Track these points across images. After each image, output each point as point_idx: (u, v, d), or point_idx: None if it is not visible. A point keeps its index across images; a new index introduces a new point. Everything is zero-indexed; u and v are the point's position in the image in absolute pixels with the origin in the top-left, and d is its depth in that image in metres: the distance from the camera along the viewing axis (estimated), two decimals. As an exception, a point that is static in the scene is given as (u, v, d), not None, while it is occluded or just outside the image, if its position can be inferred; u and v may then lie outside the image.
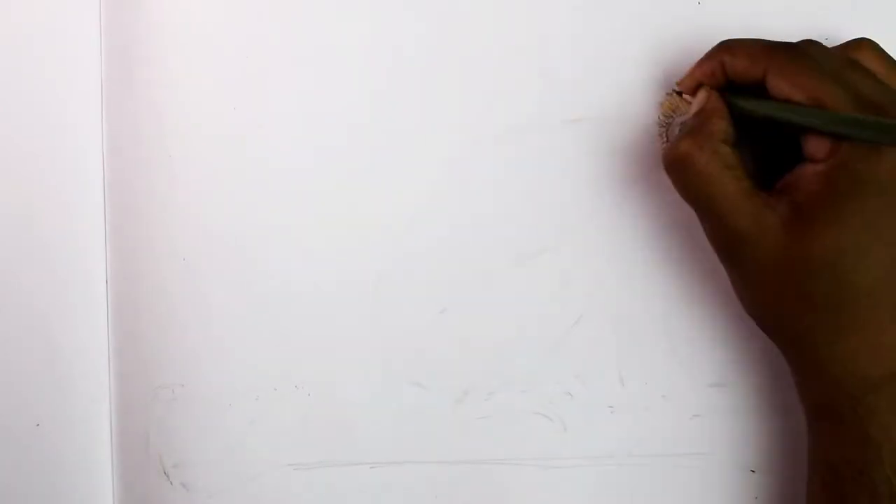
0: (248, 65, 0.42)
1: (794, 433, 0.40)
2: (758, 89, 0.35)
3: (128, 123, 0.43)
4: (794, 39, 0.37)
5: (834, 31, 0.39)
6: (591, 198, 0.41)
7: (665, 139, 0.40)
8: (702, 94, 0.37)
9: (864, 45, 0.36)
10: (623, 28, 0.41)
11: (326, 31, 0.42)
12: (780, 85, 0.34)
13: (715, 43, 0.37)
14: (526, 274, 0.41)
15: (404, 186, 0.42)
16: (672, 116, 0.39)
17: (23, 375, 0.43)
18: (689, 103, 0.38)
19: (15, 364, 0.43)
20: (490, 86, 0.42)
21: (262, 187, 0.42)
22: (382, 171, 0.42)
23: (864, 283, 0.33)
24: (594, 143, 0.41)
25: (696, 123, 0.36)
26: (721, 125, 0.36)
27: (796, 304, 0.34)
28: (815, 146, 0.34)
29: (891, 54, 0.37)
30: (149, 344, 0.43)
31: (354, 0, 0.42)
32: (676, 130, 0.40)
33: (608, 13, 0.41)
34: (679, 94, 0.38)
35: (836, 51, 0.36)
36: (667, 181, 0.40)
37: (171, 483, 0.42)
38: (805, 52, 0.35)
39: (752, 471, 0.41)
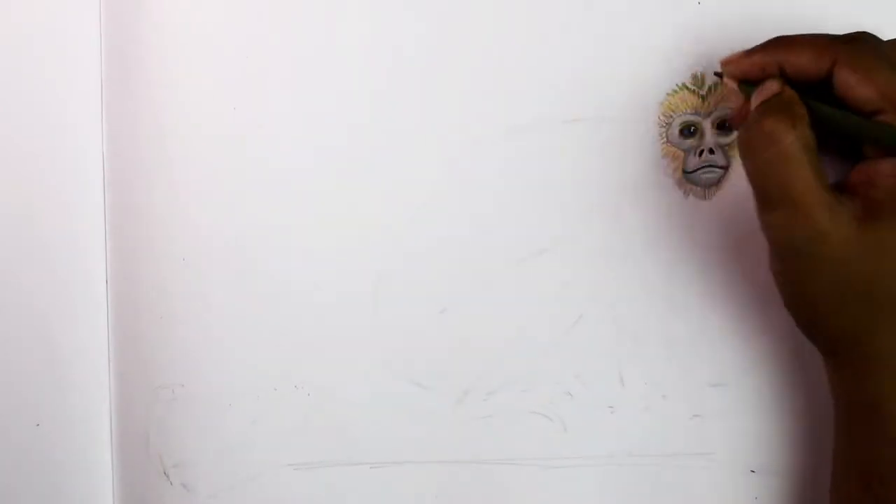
0: (248, 65, 0.42)
1: (794, 433, 0.40)
2: (816, 86, 0.34)
3: (128, 123, 0.43)
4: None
5: (833, 27, 0.39)
6: (591, 198, 0.41)
7: (665, 139, 0.40)
8: (775, 84, 0.35)
9: None
10: (623, 28, 0.41)
11: (326, 31, 0.42)
12: (849, 79, 0.33)
13: (715, 43, 0.37)
14: (526, 274, 0.41)
15: (404, 186, 0.42)
16: (672, 116, 0.39)
17: (23, 375, 0.43)
18: (677, 93, 0.38)
19: (15, 364, 0.43)
20: (490, 86, 0.41)
21: (262, 187, 0.42)
22: (382, 171, 0.42)
23: None
24: (594, 143, 0.41)
25: (779, 103, 0.34)
26: (803, 111, 0.34)
27: (863, 302, 0.33)
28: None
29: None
30: (149, 344, 0.43)
31: (354, 0, 0.42)
32: (676, 131, 0.40)
33: (608, 13, 0.41)
34: (680, 91, 0.38)
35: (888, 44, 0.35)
36: (667, 181, 0.40)
37: (171, 483, 0.42)
38: (871, 45, 0.34)
39: (752, 471, 0.41)
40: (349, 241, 0.42)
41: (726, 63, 0.37)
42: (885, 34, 0.36)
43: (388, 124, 0.42)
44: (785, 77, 0.35)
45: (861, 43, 0.34)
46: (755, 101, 0.35)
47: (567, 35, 0.41)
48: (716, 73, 0.38)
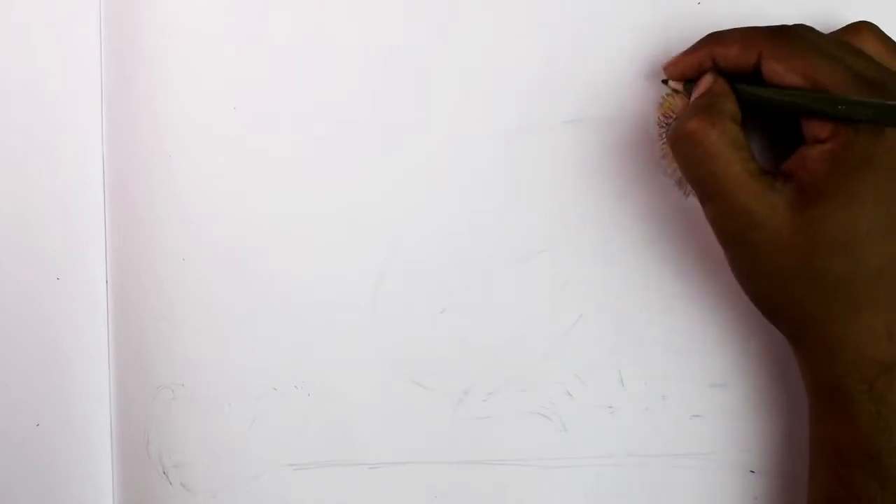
0: (248, 65, 0.42)
1: (793, 434, 0.40)
2: (751, 78, 0.35)
3: (128, 123, 0.43)
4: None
5: (832, 26, 0.39)
6: (590, 198, 0.41)
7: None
8: (708, 78, 0.36)
9: (862, 28, 0.36)
10: (623, 28, 0.41)
11: (326, 31, 0.42)
12: (775, 68, 0.34)
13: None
14: (526, 274, 0.41)
15: (404, 186, 0.42)
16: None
17: (23, 375, 0.43)
18: (676, 94, 0.38)
19: (15, 364, 0.43)
20: (489, 86, 0.41)
21: (262, 187, 0.42)
22: (382, 171, 0.42)
23: (876, 262, 0.32)
24: (593, 143, 0.41)
25: (704, 103, 0.36)
26: (729, 105, 0.35)
27: (807, 286, 0.33)
28: (818, 127, 0.34)
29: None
30: (149, 344, 0.43)
31: (354, 0, 0.42)
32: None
33: (608, 13, 0.41)
34: (676, 94, 0.38)
35: (833, 35, 0.36)
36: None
37: (171, 483, 0.42)
38: (799, 34, 0.35)
39: (752, 471, 0.41)
40: (349, 241, 0.42)
41: (667, 66, 0.38)
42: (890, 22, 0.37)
43: (387, 125, 0.42)
44: (720, 72, 0.36)
45: (788, 33, 0.35)
46: (693, 97, 0.37)
47: (566, 35, 0.41)
48: (662, 81, 0.39)
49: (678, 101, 0.39)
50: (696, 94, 0.37)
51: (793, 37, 0.35)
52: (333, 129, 0.42)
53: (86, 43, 0.43)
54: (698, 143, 0.35)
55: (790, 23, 0.36)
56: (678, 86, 0.38)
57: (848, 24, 0.37)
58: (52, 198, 0.43)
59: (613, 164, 0.41)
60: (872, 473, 0.33)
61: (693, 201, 0.40)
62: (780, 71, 0.34)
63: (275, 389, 0.42)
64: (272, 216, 0.42)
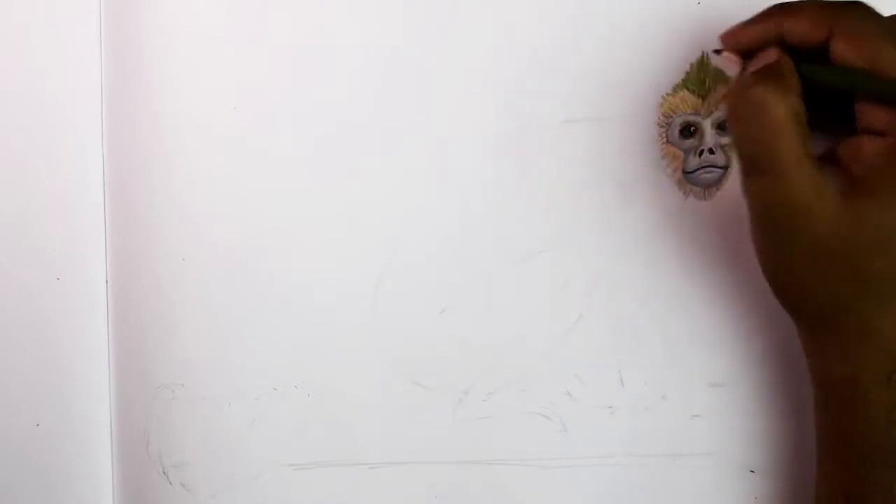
0: (248, 65, 0.42)
1: (793, 434, 0.40)
2: (815, 56, 0.34)
3: (128, 123, 0.43)
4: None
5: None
6: (591, 197, 0.41)
7: (665, 139, 0.40)
8: (773, 52, 0.34)
9: None
10: (623, 28, 0.41)
11: (326, 31, 0.42)
12: (843, 49, 0.33)
13: (715, 42, 0.37)
14: (526, 274, 0.41)
15: (404, 187, 0.42)
16: (671, 116, 0.39)
17: (23, 375, 0.43)
18: (676, 93, 0.37)
19: (15, 364, 0.43)
20: (490, 86, 0.41)
21: (262, 187, 0.42)
22: (382, 171, 0.42)
23: None
24: (594, 143, 0.41)
25: (773, 72, 0.34)
26: (795, 80, 0.34)
27: (842, 277, 0.33)
28: (875, 116, 0.33)
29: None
30: (149, 344, 0.43)
31: (354, 0, 0.42)
32: (676, 131, 0.40)
33: (608, 13, 0.41)
34: (678, 92, 0.38)
35: (890, 17, 0.34)
36: (667, 181, 0.40)
37: (171, 483, 0.42)
38: (870, 15, 0.33)
39: (752, 471, 0.41)
40: (349, 242, 0.42)
41: (725, 36, 0.36)
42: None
43: (387, 125, 0.42)
44: (784, 47, 0.34)
45: (859, 12, 0.34)
46: (752, 69, 0.35)
47: (567, 35, 0.41)
48: (715, 52, 0.36)
49: (678, 100, 0.39)
50: (757, 64, 0.35)
51: (863, 17, 0.33)
52: (333, 129, 0.42)
53: (86, 43, 0.43)
54: (764, 112, 0.33)
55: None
56: (734, 58, 0.36)
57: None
58: (52, 198, 0.43)
59: (614, 165, 0.41)
60: (890, 466, 0.33)
61: (693, 201, 0.40)
62: (848, 51, 0.33)
63: (275, 389, 0.42)
64: (272, 216, 0.42)
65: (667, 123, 0.39)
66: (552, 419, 0.41)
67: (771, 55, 0.34)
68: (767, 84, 0.33)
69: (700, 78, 0.40)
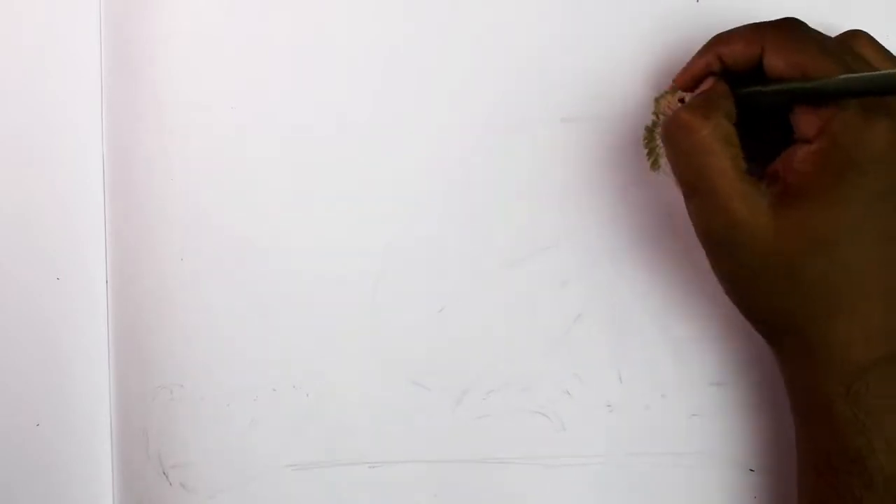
0: (248, 65, 0.42)
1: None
2: (757, 79, 0.35)
3: (128, 123, 0.43)
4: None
5: (831, 26, 0.39)
6: (589, 196, 0.41)
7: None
8: (708, 81, 0.36)
9: (859, 35, 0.36)
10: (621, 27, 0.41)
11: (325, 30, 0.42)
12: (775, 62, 0.34)
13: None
14: (525, 273, 0.41)
15: (403, 186, 0.42)
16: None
17: (23, 375, 0.43)
18: (671, 93, 0.38)
19: (15, 364, 0.43)
20: (489, 85, 0.42)
21: (261, 187, 0.42)
22: (381, 170, 0.42)
23: (856, 265, 0.32)
24: (593, 141, 0.41)
25: (700, 98, 0.36)
26: (726, 103, 0.35)
27: (786, 286, 0.33)
28: (806, 125, 0.34)
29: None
30: (148, 344, 0.43)
31: (354, 0, 0.42)
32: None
33: (606, 12, 0.41)
34: (674, 93, 0.38)
35: (833, 38, 0.36)
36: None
37: (170, 483, 0.42)
38: (801, 28, 0.35)
39: (751, 470, 0.41)
40: (348, 241, 0.42)
41: (678, 78, 0.38)
42: (884, 32, 0.37)
43: (385, 124, 0.42)
44: (728, 73, 0.36)
45: (789, 26, 0.35)
46: (693, 96, 0.36)
47: (565, 34, 0.41)
48: (680, 101, 0.38)
49: (673, 99, 0.39)
50: (695, 93, 0.37)
51: (793, 30, 0.35)
52: (333, 129, 0.42)
53: (86, 43, 0.43)
54: (690, 135, 0.34)
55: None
56: (688, 95, 0.38)
57: (843, 31, 0.37)
58: (52, 198, 0.43)
59: (613, 163, 0.41)
60: (856, 476, 0.33)
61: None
62: (780, 64, 0.34)
63: (274, 390, 0.42)
64: (272, 216, 0.42)
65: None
66: (552, 418, 0.41)
67: (706, 83, 0.36)
68: (694, 109, 0.35)
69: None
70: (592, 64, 0.41)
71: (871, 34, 0.37)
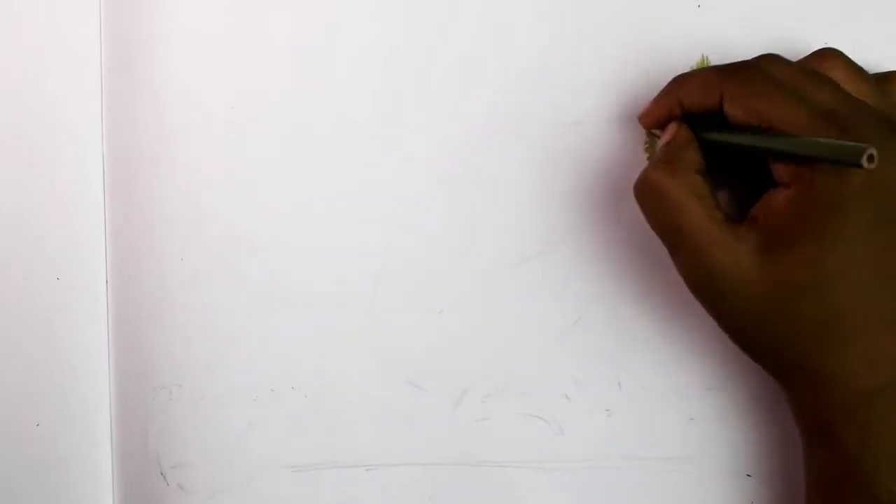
0: (248, 65, 0.42)
1: (790, 438, 0.40)
2: (720, 119, 0.35)
3: (128, 123, 0.43)
4: (793, 40, 0.36)
5: (832, 30, 0.39)
6: (589, 200, 0.41)
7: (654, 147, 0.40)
8: (672, 127, 0.36)
9: (828, 55, 0.35)
10: (622, 30, 0.41)
11: (325, 31, 0.42)
12: (735, 112, 0.34)
13: (713, 44, 0.37)
14: (524, 276, 0.41)
15: (402, 187, 0.42)
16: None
17: (23, 375, 0.43)
18: (657, 137, 0.38)
19: (15, 364, 0.43)
20: (489, 88, 0.41)
21: (261, 187, 0.42)
22: (381, 172, 0.42)
23: (848, 300, 0.32)
24: (594, 144, 0.41)
25: (665, 153, 0.36)
26: (691, 154, 0.35)
27: (781, 328, 0.33)
28: (781, 170, 0.33)
29: (888, 54, 0.36)
30: (148, 344, 0.43)
31: (354, 0, 0.42)
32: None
33: (607, 15, 0.41)
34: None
35: (799, 63, 0.35)
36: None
37: (168, 484, 0.43)
38: (759, 71, 0.34)
39: (748, 475, 0.41)
40: (347, 242, 0.42)
41: (641, 117, 0.38)
42: (882, 30, 0.36)
43: (386, 125, 0.42)
44: (689, 116, 0.36)
45: (745, 71, 0.34)
46: (660, 143, 0.36)
47: (566, 37, 0.41)
48: (652, 134, 0.38)
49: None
50: (661, 142, 0.37)
51: (749, 75, 0.34)
52: (333, 129, 0.42)
53: (86, 43, 0.43)
54: (659, 195, 0.35)
55: (790, 24, 0.36)
56: (658, 132, 0.38)
57: (814, 51, 0.36)
58: (52, 198, 0.43)
59: (613, 166, 0.41)
60: (863, 498, 0.33)
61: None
62: (739, 113, 0.34)
63: (272, 391, 0.42)
64: (271, 216, 0.42)
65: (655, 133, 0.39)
66: (549, 422, 0.41)
67: (670, 130, 0.36)
68: (661, 169, 0.35)
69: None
70: (593, 66, 0.41)
71: (874, 36, 0.36)
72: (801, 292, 0.33)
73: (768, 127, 0.33)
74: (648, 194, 0.35)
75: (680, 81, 0.36)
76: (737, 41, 0.39)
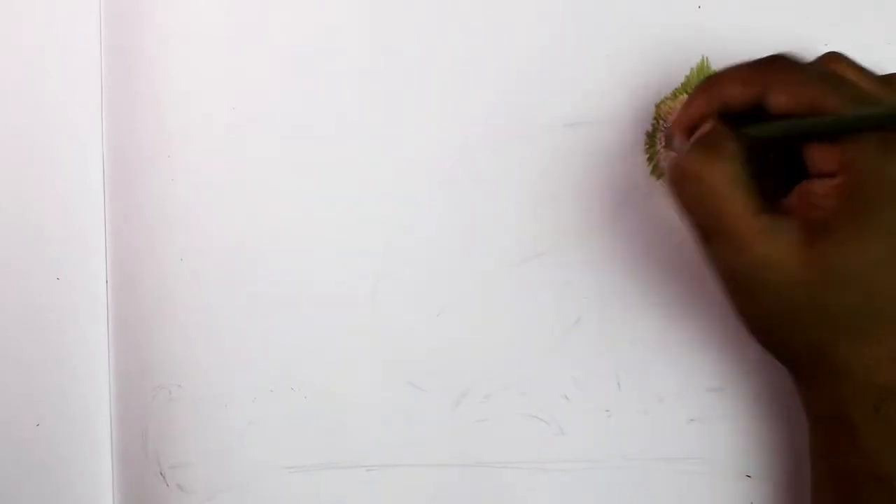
0: (248, 65, 0.42)
1: (790, 439, 0.40)
2: (750, 118, 0.35)
3: (128, 123, 0.43)
4: (794, 41, 0.36)
5: (832, 31, 0.39)
6: (589, 201, 0.41)
7: (662, 142, 0.39)
8: (708, 124, 0.35)
9: (833, 57, 0.35)
10: (623, 32, 0.41)
11: (325, 32, 0.42)
12: (781, 101, 0.33)
13: (714, 46, 0.37)
14: (524, 277, 0.41)
15: (402, 188, 0.42)
16: (668, 121, 0.39)
17: (23, 375, 0.43)
18: (675, 97, 0.38)
19: (15, 364, 0.43)
20: (489, 89, 0.41)
21: (261, 188, 0.42)
22: (381, 172, 0.42)
23: (883, 293, 0.32)
24: (593, 146, 0.41)
25: (702, 141, 0.35)
26: (730, 144, 0.34)
27: (815, 318, 0.33)
28: (824, 159, 0.33)
29: (888, 54, 0.36)
30: (148, 344, 0.43)
31: (354, 1, 0.42)
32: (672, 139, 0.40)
33: (608, 16, 0.41)
34: (674, 98, 0.38)
35: (814, 62, 0.35)
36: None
37: (167, 485, 0.43)
38: (794, 62, 0.34)
39: (748, 476, 0.40)
40: (347, 243, 0.42)
41: (675, 125, 0.37)
42: (884, 30, 0.36)
43: (386, 127, 0.42)
44: (727, 115, 0.35)
45: (784, 61, 0.34)
46: (692, 139, 0.35)
47: (566, 39, 0.41)
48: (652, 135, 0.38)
49: (677, 104, 0.38)
50: (693, 139, 0.36)
51: (790, 65, 0.34)
52: (332, 130, 0.42)
53: (86, 43, 0.43)
54: (698, 181, 0.34)
55: (790, 26, 0.36)
56: (660, 134, 0.38)
57: (819, 56, 0.35)
58: (52, 198, 0.43)
59: (613, 168, 0.41)
60: (883, 494, 0.33)
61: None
62: (786, 102, 0.33)
63: (271, 391, 0.42)
64: (271, 216, 0.42)
65: (665, 127, 0.39)
66: (549, 422, 0.41)
67: (705, 126, 0.35)
68: (699, 154, 0.34)
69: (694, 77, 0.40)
70: (593, 68, 0.41)
71: (877, 38, 0.36)
72: (844, 283, 0.32)
73: (815, 113, 0.33)
74: (685, 181, 0.34)
75: (715, 80, 0.35)
76: (737, 42, 0.39)
